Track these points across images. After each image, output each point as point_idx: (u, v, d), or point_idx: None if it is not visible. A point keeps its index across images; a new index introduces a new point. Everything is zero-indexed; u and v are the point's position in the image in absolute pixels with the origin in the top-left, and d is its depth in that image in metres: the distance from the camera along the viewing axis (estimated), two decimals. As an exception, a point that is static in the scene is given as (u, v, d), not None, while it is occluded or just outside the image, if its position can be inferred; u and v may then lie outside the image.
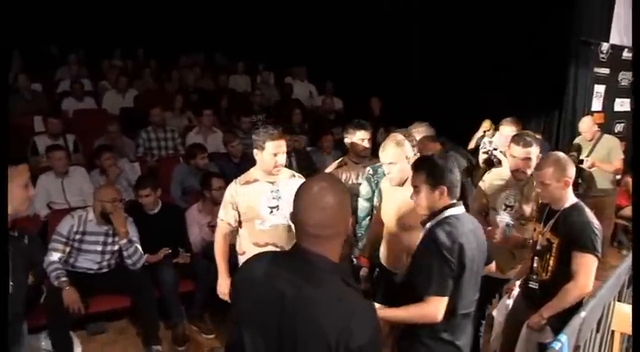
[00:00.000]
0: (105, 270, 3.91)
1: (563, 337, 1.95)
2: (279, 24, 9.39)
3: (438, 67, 7.12)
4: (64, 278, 3.62)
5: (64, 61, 8.25)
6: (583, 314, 2.15)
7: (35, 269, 3.75)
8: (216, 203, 3.89)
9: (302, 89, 8.73)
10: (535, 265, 2.80)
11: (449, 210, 2.24)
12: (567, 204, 2.72)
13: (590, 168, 5.13)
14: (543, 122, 6.35)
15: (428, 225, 2.28)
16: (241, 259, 3.09)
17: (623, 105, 6.55)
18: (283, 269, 1.49)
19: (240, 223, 3.10)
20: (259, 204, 3.00)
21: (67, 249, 3.78)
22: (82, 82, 7.48)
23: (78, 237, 3.81)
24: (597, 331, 2.49)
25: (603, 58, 6.10)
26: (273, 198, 3.01)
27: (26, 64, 7.76)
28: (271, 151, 2.93)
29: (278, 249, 2.86)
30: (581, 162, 5.14)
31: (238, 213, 3.06)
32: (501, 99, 6.24)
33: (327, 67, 8.55)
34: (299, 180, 3.05)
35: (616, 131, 6.41)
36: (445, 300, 2.15)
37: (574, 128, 5.89)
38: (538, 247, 2.80)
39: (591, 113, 5.86)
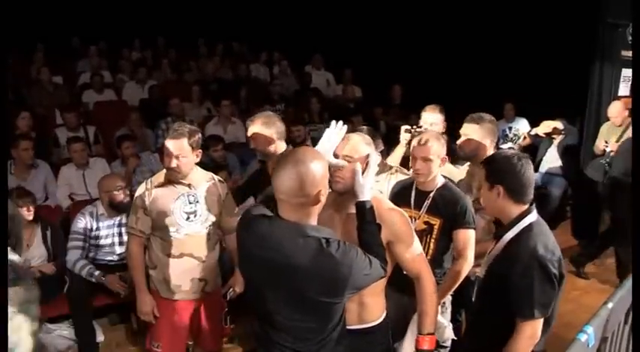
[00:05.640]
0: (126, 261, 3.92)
1: (589, 328, 1.89)
2: (295, 11, 9.31)
3: (460, 52, 6.99)
4: (97, 272, 3.63)
5: (85, 54, 8.33)
6: (610, 304, 2.09)
7: (58, 260, 3.82)
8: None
9: (319, 78, 8.67)
10: None
11: (527, 217, 2.05)
12: (440, 184, 2.69)
13: (613, 153, 4.99)
14: (567, 107, 6.19)
15: (507, 236, 2.06)
16: (152, 274, 2.82)
17: (652, 89, 6.34)
18: (266, 239, 1.72)
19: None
20: (173, 209, 2.70)
21: (86, 245, 3.76)
22: (102, 74, 7.54)
23: (93, 233, 3.78)
24: (625, 322, 2.41)
25: (631, 40, 5.89)
26: (190, 203, 2.72)
27: (48, 58, 7.87)
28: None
29: (195, 259, 2.73)
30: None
31: (151, 219, 2.73)
32: (525, 84, 6.10)
33: (344, 54, 8.46)
34: (217, 182, 2.86)
35: (644, 116, 6.22)
36: (542, 320, 1.98)
37: (599, 113, 5.73)
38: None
39: (618, 98, 5.68)
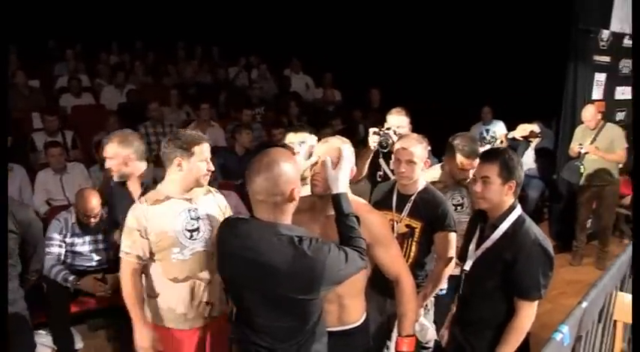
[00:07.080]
0: (105, 266, 3.86)
1: (564, 327, 1.93)
2: (274, 15, 9.32)
3: (438, 56, 7.07)
4: (71, 277, 3.59)
5: (62, 57, 8.21)
6: (584, 304, 2.13)
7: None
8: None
9: (299, 81, 8.69)
10: None
11: (515, 209, 2.20)
12: (421, 187, 2.73)
13: (587, 153, 5.12)
14: (543, 110, 6.31)
15: (502, 227, 2.19)
16: (153, 303, 2.48)
17: (624, 93, 6.46)
18: (244, 239, 1.78)
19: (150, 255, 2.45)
20: (176, 228, 2.40)
21: (62, 251, 3.72)
22: (80, 77, 7.44)
23: (68, 240, 3.74)
24: (599, 321, 2.47)
25: (604, 45, 6.02)
26: (192, 219, 2.44)
27: (24, 60, 7.73)
28: (203, 156, 2.41)
29: (201, 281, 2.45)
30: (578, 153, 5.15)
31: (149, 241, 2.41)
32: (501, 88, 6.20)
33: (324, 58, 8.49)
34: (217, 195, 2.63)
35: (617, 119, 6.34)
36: None
37: (574, 117, 5.84)
38: (395, 235, 2.62)
39: (592, 102, 5.81)
